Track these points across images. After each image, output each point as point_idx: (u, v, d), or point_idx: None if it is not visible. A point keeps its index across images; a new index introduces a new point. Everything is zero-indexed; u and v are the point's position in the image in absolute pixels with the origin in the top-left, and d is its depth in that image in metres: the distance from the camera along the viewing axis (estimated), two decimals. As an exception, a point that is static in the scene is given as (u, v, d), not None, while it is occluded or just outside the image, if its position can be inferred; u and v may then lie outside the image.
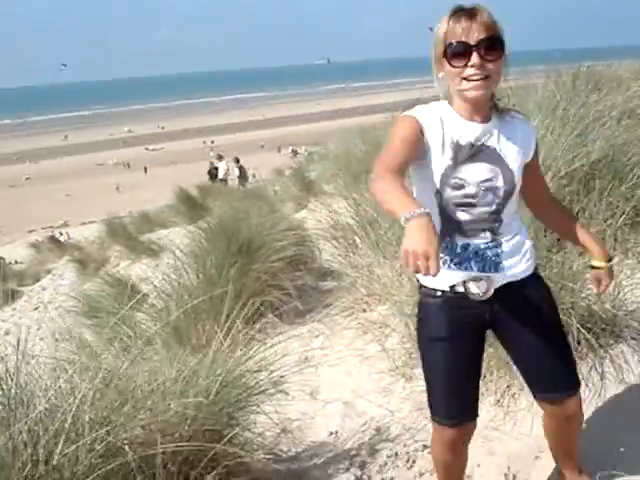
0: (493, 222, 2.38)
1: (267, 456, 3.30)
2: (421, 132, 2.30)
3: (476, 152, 2.33)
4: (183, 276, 5.54)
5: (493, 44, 2.24)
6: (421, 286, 2.52)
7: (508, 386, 3.51)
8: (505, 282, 2.42)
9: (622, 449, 3.02)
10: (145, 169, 51.58)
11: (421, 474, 3.22)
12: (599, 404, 3.35)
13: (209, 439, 2.86)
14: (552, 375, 2.50)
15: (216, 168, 27.00)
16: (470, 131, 2.34)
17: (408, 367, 3.99)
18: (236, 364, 3.26)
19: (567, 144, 4.57)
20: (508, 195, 2.36)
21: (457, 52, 2.24)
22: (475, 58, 2.22)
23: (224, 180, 25.22)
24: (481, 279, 2.39)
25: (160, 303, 5.52)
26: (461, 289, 2.41)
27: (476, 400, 2.56)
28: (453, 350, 2.47)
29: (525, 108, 5.07)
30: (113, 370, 3.04)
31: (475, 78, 2.24)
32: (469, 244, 2.38)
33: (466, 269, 2.39)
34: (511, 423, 3.37)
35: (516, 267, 2.44)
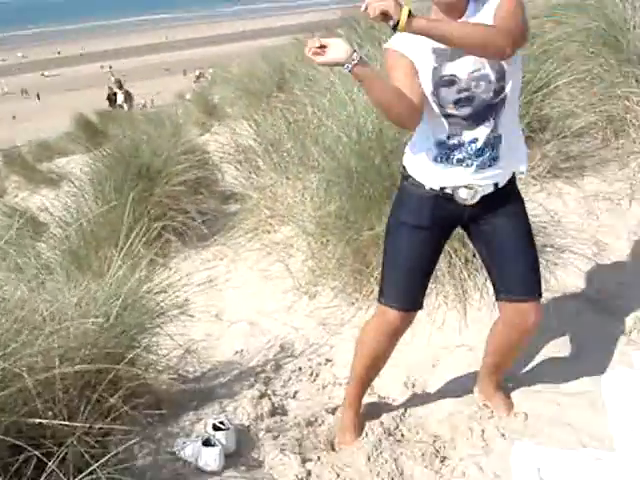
0: (494, 108, 2.40)
1: (172, 376, 3.31)
2: (404, 52, 2.37)
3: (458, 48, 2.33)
4: (82, 204, 5.41)
5: None
6: (408, 176, 2.58)
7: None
8: (492, 190, 2.51)
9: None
10: (38, 96, 49.46)
11: (324, 386, 3.32)
12: (493, 313, 3.48)
13: (111, 362, 2.83)
14: (522, 279, 2.60)
15: (115, 94, 26.13)
16: None
17: (311, 285, 4.06)
18: (137, 286, 3.23)
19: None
20: (500, 79, 2.36)
21: None
22: None
23: (122, 106, 24.48)
24: (472, 187, 2.48)
25: (60, 232, 5.40)
26: (450, 192, 2.50)
27: (425, 291, 2.70)
28: (424, 240, 2.59)
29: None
30: (9, 297, 2.96)
31: None
32: (477, 139, 2.42)
33: (467, 166, 2.46)
34: (410, 334, 3.46)
35: (511, 160, 2.51)
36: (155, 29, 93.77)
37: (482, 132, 2.42)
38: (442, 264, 3.55)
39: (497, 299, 2.69)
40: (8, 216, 9.46)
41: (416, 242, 2.59)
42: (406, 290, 2.64)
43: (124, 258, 3.46)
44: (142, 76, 39.47)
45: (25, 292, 3.20)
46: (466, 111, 2.39)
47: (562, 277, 3.67)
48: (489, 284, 3.58)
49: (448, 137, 2.45)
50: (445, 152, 2.47)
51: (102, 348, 2.83)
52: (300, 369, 3.45)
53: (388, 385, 3.20)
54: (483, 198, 2.52)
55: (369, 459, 2.74)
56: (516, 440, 2.66)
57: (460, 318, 3.47)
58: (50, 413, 2.47)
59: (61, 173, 13.39)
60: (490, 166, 2.47)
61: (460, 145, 2.44)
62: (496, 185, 2.52)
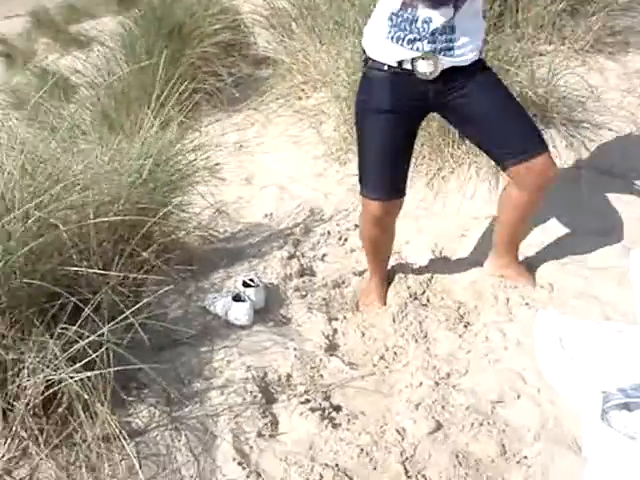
0: None
1: (203, 234, 3.36)
2: None
3: None
4: (113, 65, 5.34)
5: None
6: (367, 59, 2.49)
7: (439, 169, 3.58)
8: (453, 65, 2.39)
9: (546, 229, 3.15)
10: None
11: (352, 250, 3.35)
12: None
13: (143, 217, 2.88)
14: (522, 137, 2.50)
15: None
16: None
17: (342, 152, 4.03)
18: (169, 145, 3.24)
19: None
20: None
21: None
22: None
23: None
24: (430, 58, 2.37)
25: (91, 93, 5.36)
26: (409, 66, 2.39)
27: (404, 178, 2.61)
28: (391, 125, 2.49)
29: None
30: (42, 153, 2.98)
31: None
32: (431, 19, 2.30)
33: (417, 49, 2.35)
34: (440, 204, 3.47)
35: (466, 53, 2.39)
36: None
37: (440, 14, 2.29)
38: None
39: (505, 169, 2.57)
40: (39, 78, 9.41)
41: (382, 127, 2.50)
42: (382, 179, 2.58)
43: (156, 119, 3.44)
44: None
45: (58, 150, 3.21)
46: None
47: (597, 154, 3.61)
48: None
49: (402, 9, 2.32)
50: (398, 29, 2.34)
51: (135, 204, 2.86)
52: (329, 233, 3.48)
53: (416, 251, 3.23)
54: (446, 74, 2.40)
55: (394, 320, 2.80)
56: (540, 309, 2.69)
57: (491, 189, 3.44)
58: (85, 263, 2.53)
59: (91, 35, 13.18)
60: (442, 55, 2.36)
61: (413, 21, 2.31)
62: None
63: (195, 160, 3.34)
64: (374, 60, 2.46)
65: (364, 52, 2.51)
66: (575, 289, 2.80)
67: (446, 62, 2.38)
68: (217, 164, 3.83)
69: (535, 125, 2.59)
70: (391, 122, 2.49)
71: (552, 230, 3.16)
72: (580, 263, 2.95)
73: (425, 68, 2.38)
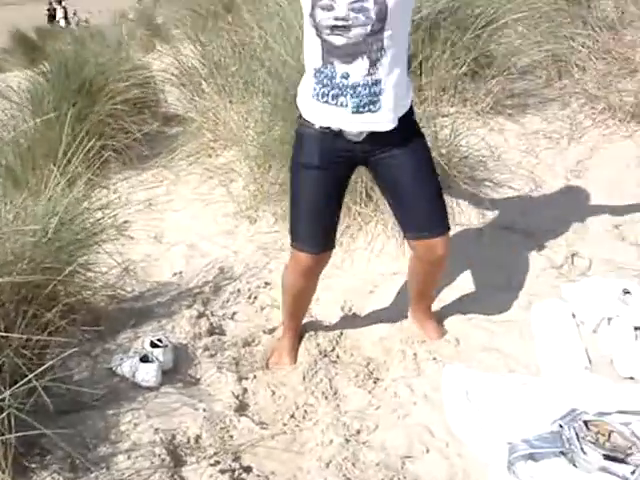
0: (371, 46, 2.33)
1: (110, 294, 3.30)
2: None
3: None
4: (19, 120, 5.24)
5: None
6: (300, 116, 2.56)
7: (347, 226, 3.64)
8: (378, 129, 2.45)
9: (451, 284, 3.25)
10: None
11: (262, 308, 3.35)
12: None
13: (48, 277, 2.81)
14: (426, 216, 2.60)
15: (54, 9, 25.19)
16: None
17: (252, 210, 4.06)
18: (75, 203, 3.19)
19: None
20: (382, 16, 2.28)
21: None
22: None
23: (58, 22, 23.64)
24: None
25: (-5, 150, 5.23)
26: (335, 129, 2.46)
27: (334, 230, 2.69)
28: (320, 180, 2.56)
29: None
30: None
31: None
32: (348, 74, 2.37)
33: (342, 105, 2.41)
34: (349, 261, 3.53)
35: (393, 109, 2.44)
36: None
37: (356, 69, 2.36)
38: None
39: (405, 237, 2.73)
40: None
41: (312, 183, 2.57)
42: (312, 232, 2.64)
43: (62, 176, 3.39)
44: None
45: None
46: (341, 41, 2.33)
47: (499, 211, 3.76)
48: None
49: (322, 66, 2.39)
50: (322, 85, 2.42)
51: (39, 263, 2.79)
52: (239, 291, 3.47)
53: (325, 308, 3.26)
54: (375, 135, 2.47)
55: (304, 378, 2.81)
56: (447, 364, 2.75)
57: (398, 246, 3.52)
58: (-15, 326, 2.44)
59: (-3, 88, 12.93)
60: (369, 111, 2.41)
61: (332, 77, 2.39)
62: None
63: (102, 218, 3.29)
64: (305, 119, 2.53)
65: (297, 108, 2.58)
66: (480, 343, 2.88)
67: (372, 124, 2.44)
68: (125, 222, 3.80)
69: (444, 205, 2.67)
70: (320, 177, 2.56)
71: (457, 285, 3.26)
72: (484, 317, 3.04)
73: (348, 133, 2.46)
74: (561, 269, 3.34)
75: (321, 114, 2.47)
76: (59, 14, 24.42)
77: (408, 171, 2.56)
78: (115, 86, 5.08)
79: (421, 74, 4.36)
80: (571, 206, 3.82)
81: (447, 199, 3.63)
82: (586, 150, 4.33)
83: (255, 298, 3.42)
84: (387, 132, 2.46)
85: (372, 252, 3.56)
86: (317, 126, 2.49)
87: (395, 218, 2.77)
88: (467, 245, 3.48)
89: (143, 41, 10.27)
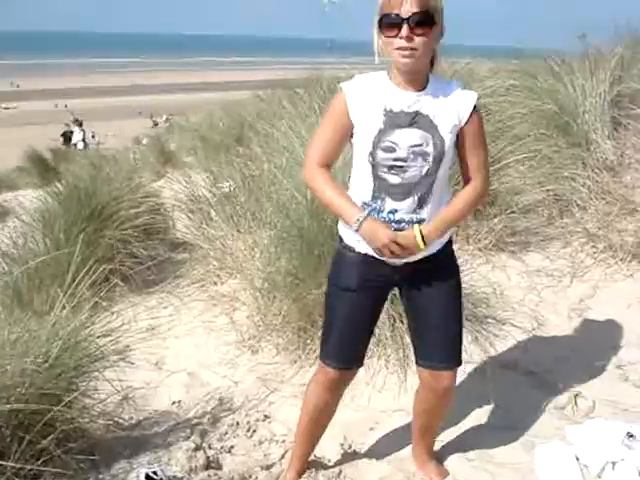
0: (423, 188, 2.45)
1: (107, 422, 3.25)
2: (347, 114, 2.45)
3: (408, 119, 2.41)
4: (29, 240, 5.34)
5: (423, 19, 2.31)
6: (341, 240, 2.64)
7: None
8: (419, 257, 2.52)
9: (453, 423, 3.20)
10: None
11: (260, 443, 3.29)
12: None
13: (46, 403, 2.79)
14: (444, 349, 2.66)
15: (71, 132, 26.01)
16: (403, 99, 2.41)
17: (255, 340, 4.06)
18: (79, 328, 3.20)
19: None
20: (438, 160, 2.42)
21: (390, 23, 2.32)
22: (404, 31, 2.30)
23: (76, 145, 24.36)
24: None
25: (3, 267, 5.31)
26: (376, 255, 2.52)
27: (365, 348, 2.75)
28: (357, 303, 2.63)
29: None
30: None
31: (403, 50, 2.32)
32: (396, 210, 2.46)
33: None
34: (350, 396, 3.49)
35: (432, 244, 2.52)
36: (117, 72, 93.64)
37: (404, 206, 2.46)
38: (385, 328, 3.61)
39: (416, 363, 2.76)
40: (-49, 246, 9.22)
41: (348, 304, 2.64)
42: (343, 350, 2.70)
43: (68, 299, 3.42)
44: (100, 117, 39.42)
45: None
46: (396, 180, 2.44)
47: (501, 349, 3.75)
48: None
49: (372, 199, 2.49)
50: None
51: (38, 388, 2.78)
52: (237, 424, 3.42)
53: (325, 445, 3.19)
54: (414, 262, 2.54)
55: (302, 519, 2.73)
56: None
57: (400, 382, 3.50)
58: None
59: (8, 207, 13.19)
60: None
61: (380, 211, 2.48)
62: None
63: (105, 345, 3.29)
64: (346, 243, 2.61)
65: (338, 232, 2.66)
66: (481, 485, 2.81)
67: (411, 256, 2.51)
68: (127, 347, 3.79)
69: (461, 341, 2.71)
70: (357, 299, 2.62)
71: (458, 424, 3.22)
72: (486, 458, 2.98)
73: (392, 259, 2.52)
74: (564, 410, 3.31)
75: (363, 242, 2.53)
76: (76, 137, 25.17)
77: (440, 302, 2.63)
78: (126, 213, 5.21)
79: (424, 211, 4.46)
80: (574, 345, 3.82)
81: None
82: (588, 289, 4.38)
83: (254, 431, 3.37)
84: (425, 259, 2.54)
85: (374, 387, 3.53)
86: (358, 250, 2.57)
87: (412, 343, 2.80)
88: (469, 383, 3.46)
89: (155, 167, 10.56)
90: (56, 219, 5.28)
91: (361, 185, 2.52)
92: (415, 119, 2.42)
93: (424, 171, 2.43)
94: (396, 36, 2.32)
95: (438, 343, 2.65)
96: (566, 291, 4.36)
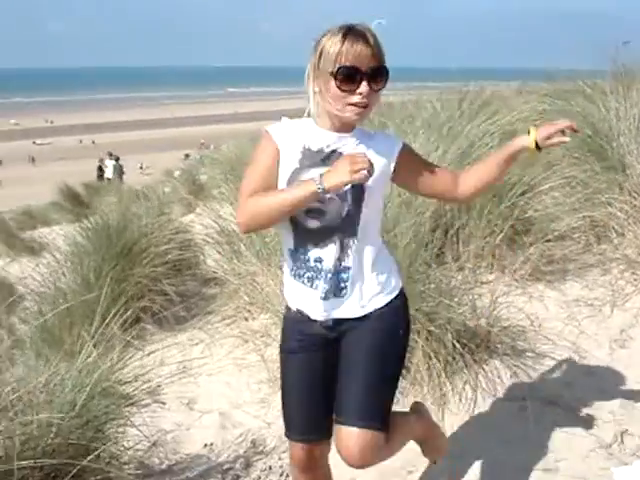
0: (344, 230, 2.30)
1: (137, 471, 3.18)
2: (277, 153, 2.29)
3: (325, 157, 2.28)
4: (60, 278, 5.34)
5: (381, 74, 2.21)
6: (285, 298, 2.51)
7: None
8: (345, 316, 2.36)
9: (492, 463, 3.09)
10: (32, 159, 50.43)
11: (293, 488, 3.20)
12: (471, 418, 3.43)
13: (74, 453, 2.73)
14: (352, 401, 2.35)
15: (106, 166, 26.40)
16: (324, 138, 2.29)
17: (287, 378, 3.97)
18: (108, 373, 3.15)
19: (451, 161, 4.68)
20: (358, 199, 2.27)
21: (348, 77, 2.18)
22: (364, 87, 2.18)
23: (110, 179, 24.69)
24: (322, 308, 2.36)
25: (34, 306, 5.32)
26: (307, 312, 2.38)
27: (327, 417, 2.42)
28: (303, 364, 2.44)
29: (413, 125, 5.17)
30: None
31: (359, 106, 2.21)
32: (322, 258, 2.31)
33: (315, 287, 2.34)
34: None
35: (362, 297, 2.36)
36: (148, 106, 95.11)
37: (329, 253, 2.30)
38: (420, 366, 3.50)
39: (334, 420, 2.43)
40: (-15, 284, 9.32)
41: (295, 368, 2.45)
42: (302, 419, 2.46)
43: (98, 339, 3.39)
44: (132, 150, 40.09)
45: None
46: (314, 224, 2.29)
47: (541, 384, 3.63)
48: (468, 388, 3.56)
49: (296, 248, 2.34)
50: (297, 266, 2.36)
51: (65, 439, 2.72)
52: (270, 468, 3.33)
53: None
54: (345, 321, 2.37)
55: None
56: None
57: (437, 422, 3.38)
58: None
59: (43, 243, 13.34)
60: (339, 297, 2.34)
61: (307, 260, 2.33)
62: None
63: (134, 390, 3.23)
64: (286, 300, 2.47)
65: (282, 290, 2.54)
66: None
67: (338, 311, 2.36)
68: (158, 386, 3.74)
69: (381, 404, 2.39)
70: (303, 361, 2.43)
71: (497, 465, 3.09)
72: (530, 502, 2.86)
73: (319, 318, 2.37)
74: (610, 449, 3.17)
75: (296, 295, 2.39)
76: (110, 171, 25.50)
77: (361, 348, 2.37)
78: (156, 249, 5.19)
79: (458, 242, 4.38)
80: (617, 378, 3.68)
81: (487, 371, 3.58)
82: (630, 318, 4.23)
83: (287, 476, 3.27)
84: (357, 319, 2.37)
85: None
86: (294, 309, 2.42)
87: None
88: (508, 421, 3.35)
89: (185, 200, 10.58)
90: (86, 257, 5.28)
91: (285, 232, 2.36)
92: (331, 157, 2.26)
93: (344, 212, 2.27)
94: (353, 91, 2.19)
95: (351, 396, 2.35)
96: (607, 321, 4.22)
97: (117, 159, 27.07)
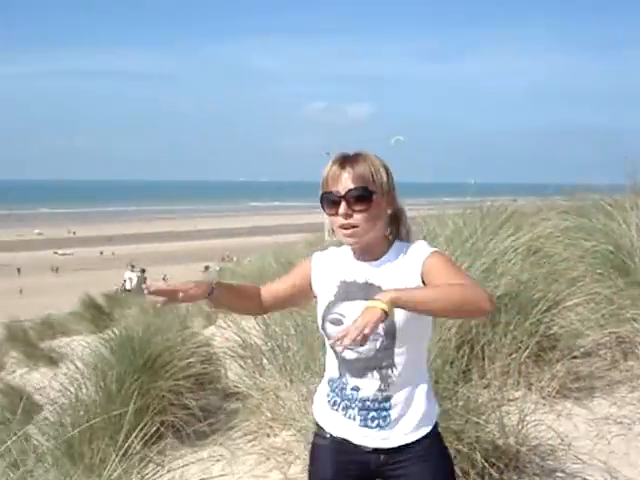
0: (382, 362, 2.30)
1: None
2: (310, 276, 2.43)
3: (359, 290, 2.32)
4: (81, 389, 5.31)
5: (361, 195, 2.26)
6: (316, 423, 2.48)
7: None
8: (389, 445, 2.33)
9: None
10: (56, 269, 51.09)
11: None
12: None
13: None
14: None
15: (131, 278, 26.62)
16: (357, 270, 2.35)
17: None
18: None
19: (475, 277, 4.69)
20: (391, 333, 2.26)
21: (329, 201, 2.30)
22: (342, 208, 2.27)
23: (130, 290, 24.82)
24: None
25: (54, 417, 5.27)
26: (348, 439, 2.36)
27: None
28: None
29: (436, 241, 5.23)
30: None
31: (345, 228, 2.28)
32: (359, 387, 2.32)
33: (350, 417, 2.34)
34: None
35: (405, 426, 2.33)
36: (168, 219, 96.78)
37: (367, 383, 2.31)
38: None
39: None
40: (4, 394, 9.28)
41: None
42: None
43: (120, 457, 3.35)
44: (152, 262, 40.54)
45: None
46: (351, 355, 2.31)
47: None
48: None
49: (336, 375, 2.37)
50: (334, 394, 2.38)
51: None
52: None
53: None
54: (388, 449, 2.33)
55: None
56: None
57: None
58: None
59: (62, 353, 13.30)
60: (377, 426, 2.32)
61: (343, 388, 2.35)
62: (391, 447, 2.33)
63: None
64: (319, 426, 2.45)
65: (313, 415, 2.51)
66: None
67: (380, 440, 2.33)
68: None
69: None
70: None
71: None
72: None
73: (361, 444, 2.34)
74: None
75: (333, 423, 2.39)
76: (130, 283, 25.65)
77: None
78: (179, 363, 5.18)
79: (484, 358, 4.35)
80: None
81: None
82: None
83: None
84: (401, 447, 2.33)
85: None
86: (329, 435, 2.40)
87: None
88: None
89: (206, 312, 10.61)
90: (109, 368, 5.26)
91: (328, 361, 2.43)
92: (364, 289, 2.31)
93: (378, 345, 2.27)
94: (336, 214, 2.28)
95: None
96: (637, 439, 4.12)
97: (143, 270, 27.32)
